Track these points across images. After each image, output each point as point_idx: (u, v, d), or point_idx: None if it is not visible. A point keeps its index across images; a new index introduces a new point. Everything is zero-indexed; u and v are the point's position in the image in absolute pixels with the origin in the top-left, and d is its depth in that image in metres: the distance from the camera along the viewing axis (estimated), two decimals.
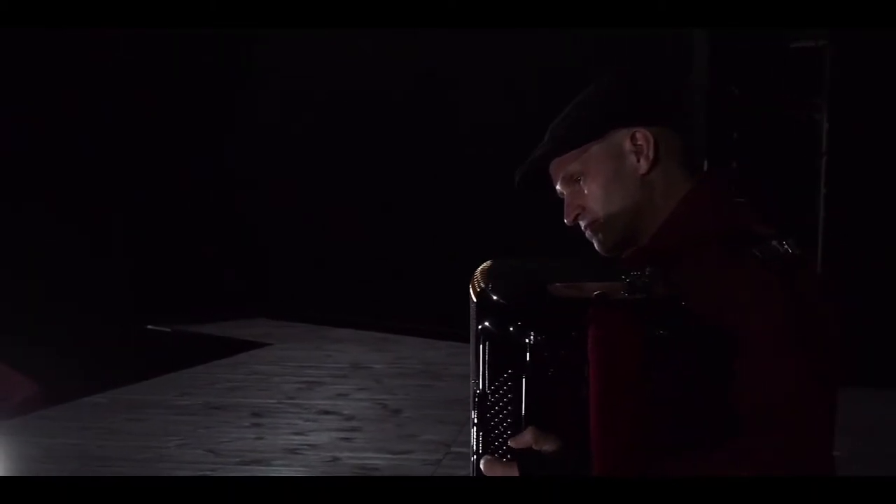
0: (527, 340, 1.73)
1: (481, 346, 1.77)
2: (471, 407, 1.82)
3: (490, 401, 1.78)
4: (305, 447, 5.84)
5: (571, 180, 2.09)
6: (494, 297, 1.79)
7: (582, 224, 2.10)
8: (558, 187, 2.14)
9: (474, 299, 1.81)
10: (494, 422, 1.79)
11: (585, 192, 2.07)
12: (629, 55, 7.86)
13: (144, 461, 5.67)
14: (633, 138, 2.05)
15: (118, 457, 5.77)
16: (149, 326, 9.30)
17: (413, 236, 8.80)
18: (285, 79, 9.60)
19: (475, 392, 1.80)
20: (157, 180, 9.63)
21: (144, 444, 5.96)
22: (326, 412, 6.56)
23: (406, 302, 8.85)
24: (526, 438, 1.73)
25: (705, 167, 7.51)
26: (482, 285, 1.82)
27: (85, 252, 9.06)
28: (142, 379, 7.46)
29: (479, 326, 1.77)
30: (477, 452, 1.80)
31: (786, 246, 1.89)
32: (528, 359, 1.72)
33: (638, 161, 2.05)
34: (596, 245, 2.11)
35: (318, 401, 6.84)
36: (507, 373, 1.76)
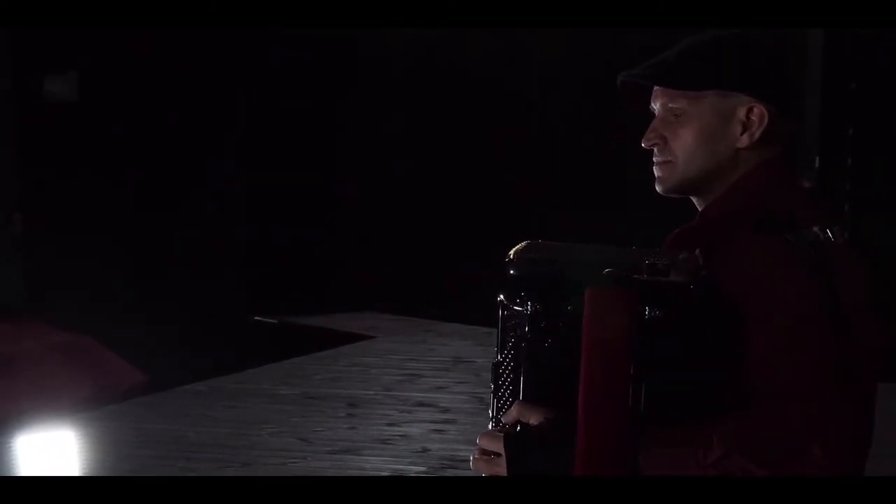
0: (526, 310, 1.79)
1: (498, 317, 1.85)
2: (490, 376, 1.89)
3: (501, 369, 1.85)
4: (397, 437, 5.82)
5: (670, 111, 2.02)
6: (510, 272, 1.85)
7: (655, 156, 2.04)
8: (653, 107, 2.07)
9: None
10: (502, 390, 1.86)
11: (678, 131, 2.00)
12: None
13: (236, 448, 5.70)
14: (749, 110, 1.98)
15: (211, 443, 5.82)
16: (256, 318, 9.36)
17: (523, 233, 8.71)
18: (396, 72, 9.60)
19: (493, 361, 1.88)
20: (271, 172, 9.70)
21: (238, 431, 5.99)
22: (422, 404, 6.52)
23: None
24: (512, 413, 1.79)
25: (816, 163, 7.44)
26: (506, 261, 1.88)
27: (200, 244, 9.18)
28: (244, 369, 7.51)
29: (497, 298, 1.85)
30: (492, 419, 1.87)
31: (829, 233, 1.85)
32: (526, 328, 1.79)
33: (741, 133, 1.98)
34: (657, 180, 2.06)
35: (415, 393, 6.81)
36: (511, 341, 1.83)
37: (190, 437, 5.94)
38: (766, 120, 1.98)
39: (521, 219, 8.66)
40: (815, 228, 1.83)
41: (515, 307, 1.82)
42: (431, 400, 6.61)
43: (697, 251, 1.84)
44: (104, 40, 8.33)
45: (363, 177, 9.86)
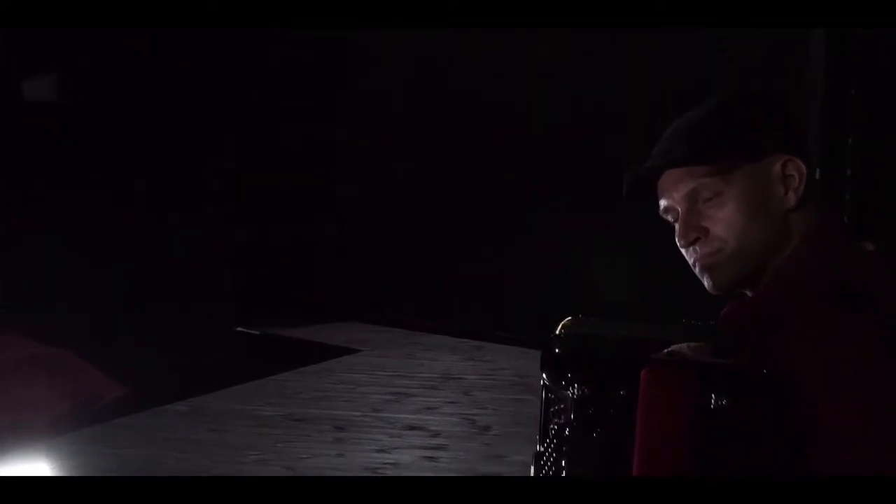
0: (571, 394, 1.59)
1: (540, 400, 1.71)
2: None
3: (542, 460, 1.69)
4: (387, 466, 5.59)
5: (698, 198, 1.81)
6: (556, 350, 1.65)
7: (698, 251, 1.82)
8: (669, 202, 1.84)
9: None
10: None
11: (718, 215, 1.80)
12: (740, 53, 7.52)
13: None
14: (784, 165, 1.79)
15: (193, 470, 5.57)
16: (238, 329, 9.13)
17: (514, 245, 8.53)
18: (388, 78, 9.39)
19: (534, 451, 1.72)
20: (260, 176, 9.48)
21: (222, 459, 5.76)
22: (412, 427, 6.30)
23: (503, 310, 8.59)
24: None
25: (817, 174, 7.21)
26: (551, 337, 1.69)
27: (185, 251, 8.94)
28: (228, 385, 7.27)
29: (541, 380, 1.69)
30: None
31: None
32: (572, 415, 1.58)
33: (786, 193, 1.79)
34: (706, 280, 1.82)
35: (404, 414, 6.58)
36: (554, 429, 1.66)
37: (169, 464, 5.70)
38: (804, 172, 1.77)
39: (515, 229, 8.49)
40: None
41: (560, 390, 1.63)
42: (421, 422, 6.39)
43: (764, 330, 1.61)
44: (87, 40, 8.10)
45: (351, 184, 9.66)
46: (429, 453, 5.80)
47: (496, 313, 8.65)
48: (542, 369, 1.64)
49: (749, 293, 1.83)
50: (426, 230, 9.10)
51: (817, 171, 6.83)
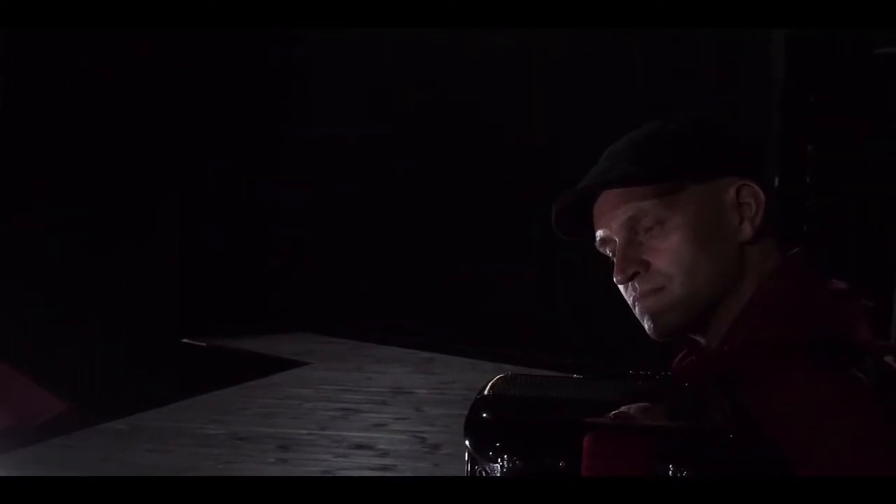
0: (499, 466, 1.34)
1: (466, 472, 1.40)
2: None
3: None
4: None
5: (638, 227, 1.55)
6: (482, 414, 1.40)
7: (637, 288, 1.57)
8: (606, 232, 1.59)
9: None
10: None
11: (662, 246, 1.54)
12: (704, 59, 7.38)
13: None
14: (739, 192, 1.54)
15: None
16: (184, 340, 8.88)
17: (465, 255, 8.36)
18: (330, 91, 9.21)
19: None
20: (205, 183, 9.24)
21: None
22: (359, 446, 6.07)
23: (454, 321, 8.40)
24: None
25: (776, 182, 7.04)
26: (478, 399, 1.44)
27: (128, 261, 8.69)
28: (172, 401, 7.02)
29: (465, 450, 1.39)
30: None
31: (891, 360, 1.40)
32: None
33: (740, 223, 1.54)
34: (647, 323, 1.57)
35: (351, 432, 6.34)
36: None
37: None
38: (762, 199, 1.54)
39: (468, 236, 8.30)
40: (889, 358, 1.39)
41: (487, 462, 1.37)
42: (369, 441, 6.16)
43: (731, 388, 1.37)
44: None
45: (300, 190, 9.47)
46: (375, 474, 5.57)
47: (447, 324, 8.45)
48: (465, 437, 1.39)
49: (699, 339, 1.61)
50: (379, 240, 8.93)
51: (776, 195, 6.73)
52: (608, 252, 1.63)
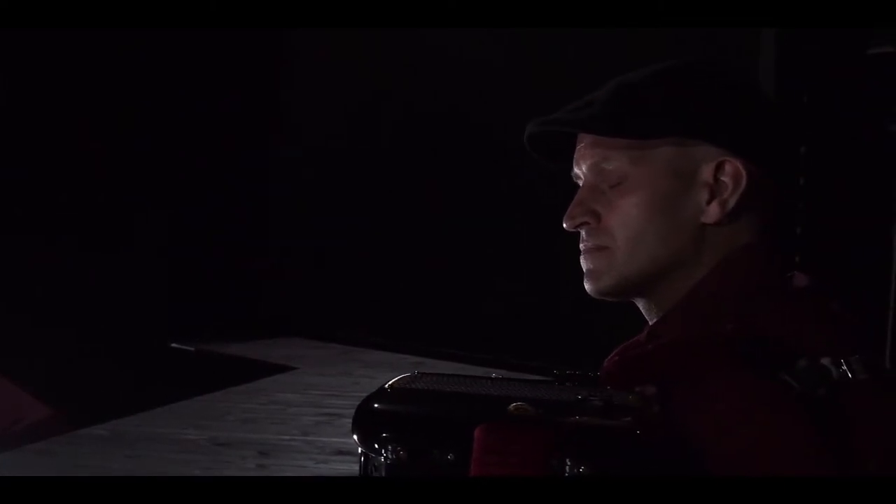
0: (387, 457, 1.32)
1: (359, 464, 1.42)
2: None
3: None
4: None
5: (603, 174, 1.47)
6: (373, 405, 1.39)
7: (583, 240, 1.49)
8: (577, 169, 1.52)
9: None
10: None
11: (618, 202, 1.47)
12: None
13: None
14: (719, 168, 1.42)
15: None
16: (172, 345, 8.79)
17: (454, 260, 8.27)
18: (320, 96, 9.12)
19: None
20: (193, 182, 9.16)
21: None
22: (340, 452, 5.97)
23: (444, 325, 8.31)
24: None
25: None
26: (376, 392, 1.43)
27: (115, 262, 8.61)
28: (156, 405, 6.93)
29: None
30: None
31: (844, 367, 1.27)
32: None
33: (708, 203, 1.44)
34: (587, 277, 1.48)
35: (333, 438, 6.25)
36: None
37: None
38: (743, 181, 1.41)
39: (458, 240, 8.22)
40: (826, 360, 1.27)
41: (373, 454, 1.35)
42: (350, 447, 6.04)
43: (651, 387, 1.31)
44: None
45: (289, 194, 9.39)
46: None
47: (437, 329, 8.37)
48: (353, 429, 1.37)
49: (641, 306, 1.49)
50: (369, 245, 8.86)
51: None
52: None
